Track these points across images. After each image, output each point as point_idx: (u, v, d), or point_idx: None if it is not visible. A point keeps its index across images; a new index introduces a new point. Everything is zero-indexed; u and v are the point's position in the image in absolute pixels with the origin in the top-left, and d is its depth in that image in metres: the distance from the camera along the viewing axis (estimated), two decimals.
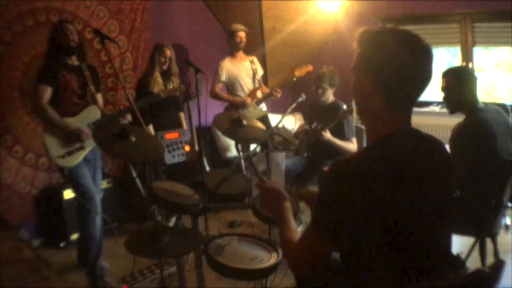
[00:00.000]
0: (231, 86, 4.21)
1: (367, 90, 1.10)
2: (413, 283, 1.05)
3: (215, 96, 4.16)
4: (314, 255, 1.13)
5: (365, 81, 1.10)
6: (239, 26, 4.12)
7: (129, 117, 2.79)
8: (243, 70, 4.19)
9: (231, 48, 4.20)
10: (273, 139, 4.32)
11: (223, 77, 4.15)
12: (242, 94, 4.19)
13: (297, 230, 1.33)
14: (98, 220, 2.75)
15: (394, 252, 1.04)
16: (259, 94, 4.19)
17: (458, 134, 2.42)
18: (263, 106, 4.24)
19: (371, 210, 1.01)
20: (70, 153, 2.64)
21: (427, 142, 1.15)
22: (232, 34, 4.12)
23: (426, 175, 1.07)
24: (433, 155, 1.13)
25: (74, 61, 2.74)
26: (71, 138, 2.64)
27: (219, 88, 4.19)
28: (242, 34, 4.09)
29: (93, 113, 2.73)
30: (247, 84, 4.20)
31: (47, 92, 2.62)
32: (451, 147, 2.46)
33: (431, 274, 1.09)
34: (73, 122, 2.66)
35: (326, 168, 2.63)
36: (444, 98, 2.54)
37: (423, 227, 1.06)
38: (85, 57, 2.83)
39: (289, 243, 1.26)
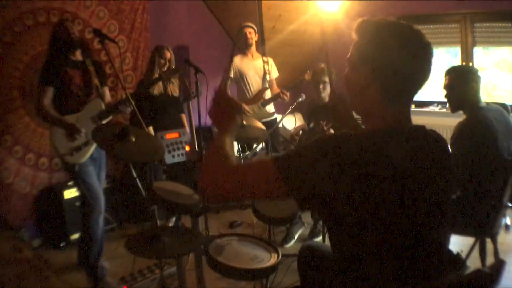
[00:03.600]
0: (239, 83, 4.19)
1: (363, 81, 1.07)
2: (407, 281, 1.03)
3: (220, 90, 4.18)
4: (257, 181, 1.05)
5: (362, 72, 1.07)
6: (245, 23, 4.10)
7: (127, 110, 2.77)
8: (252, 68, 4.13)
9: (241, 47, 4.18)
10: (277, 140, 4.29)
11: (232, 73, 4.12)
12: (248, 92, 4.17)
13: (233, 149, 1.23)
14: (101, 220, 2.76)
15: (383, 247, 1.01)
16: (267, 95, 4.18)
17: (459, 132, 2.41)
18: (271, 108, 4.22)
19: (349, 197, 0.98)
20: (78, 149, 2.65)
21: (426, 140, 1.10)
22: (238, 32, 4.12)
23: (420, 172, 1.03)
24: (431, 153, 1.08)
25: (78, 56, 2.74)
26: (71, 135, 2.64)
27: (227, 85, 4.16)
28: (248, 30, 4.05)
29: (96, 106, 2.73)
30: (254, 83, 4.15)
31: (49, 93, 2.62)
32: (451, 145, 2.45)
33: (425, 273, 1.06)
34: (78, 117, 2.66)
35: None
36: (446, 96, 2.53)
37: (412, 225, 1.03)
38: (90, 53, 2.84)
39: (222, 154, 1.15)
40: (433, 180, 1.06)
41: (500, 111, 2.54)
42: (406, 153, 1.02)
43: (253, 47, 4.13)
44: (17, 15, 3.18)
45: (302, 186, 1.02)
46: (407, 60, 1.02)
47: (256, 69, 4.15)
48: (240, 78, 4.14)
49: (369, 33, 1.06)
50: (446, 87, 2.51)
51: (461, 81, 2.45)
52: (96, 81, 2.76)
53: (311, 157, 1.01)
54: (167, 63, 3.52)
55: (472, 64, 4.50)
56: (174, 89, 3.63)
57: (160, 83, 3.51)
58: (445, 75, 2.53)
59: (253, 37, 4.07)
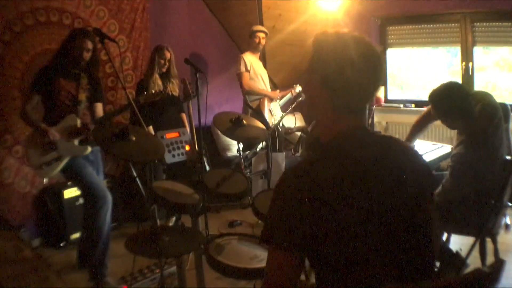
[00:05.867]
0: (252, 79, 4.24)
1: (314, 91, 1.11)
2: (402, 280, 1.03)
3: (249, 89, 4.17)
4: (281, 278, 1.02)
5: (313, 82, 1.11)
6: (259, 27, 4.23)
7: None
8: (260, 69, 4.31)
9: (250, 47, 4.29)
10: (282, 140, 4.33)
11: (247, 67, 4.20)
12: None
13: None
14: (109, 217, 2.75)
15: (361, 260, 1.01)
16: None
17: (461, 167, 2.39)
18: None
19: (329, 217, 0.98)
20: (48, 164, 2.63)
21: (390, 146, 1.13)
22: (251, 34, 4.22)
23: (388, 176, 1.04)
24: (398, 159, 1.10)
25: (76, 69, 2.72)
26: (47, 144, 2.62)
27: (248, 79, 4.17)
28: (261, 35, 4.18)
29: (72, 122, 2.67)
30: (260, 83, 4.28)
31: (34, 100, 2.63)
32: (452, 157, 2.48)
33: (418, 271, 1.06)
34: (55, 130, 2.64)
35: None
36: (441, 121, 2.51)
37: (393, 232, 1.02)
38: (95, 71, 2.81)
39: None
40: (399, 182, 1.06)
41: (493, 109, 2.47)
42: (366, 153, 1.04)
43: (261, 52, 4.33)
44: (17, 15, 3.18)
45: (302, 238, 1.00)
46: (353, 69, 1.04)
47: (263, 70, 4.34)
48: (255, 75, 4.21)
49: (319, 45, 1.11)
50: (436, 115, 2.49)
51: (443, 111, 2.41)
52: (82, 96, 2.71)
53: (288, 207, 1.01)
54: (167, 63, 3.53)
55: (472, 64, 4.50)
56: (174, 88, 3.64)
57: (160, 83, 3.51)
58: (429, 103, 2.49)
59: (264, 42, 4.24)
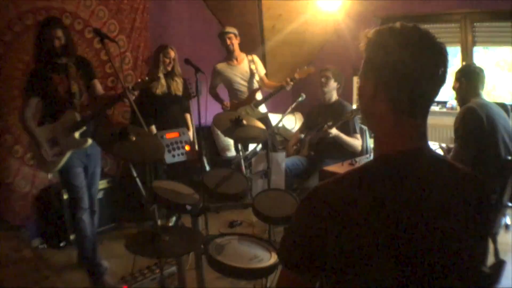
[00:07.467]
0: (228, 87, 4.21)
1: (370, 91, 0.99)
2: None
3: (211, 95, 4.17)
4: None
5: (367, 82, 1.00)
6: (225, 29, 4.05)
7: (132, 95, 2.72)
8: (238, 74, 4.11)
9: (226, 52, 4.15)
10: (274, 139, 4.30)
11: (217, 81, 4.16)
12: (237, 98, 4.17)
13: None
14: (86, 217, 2.75)
15: None
16: (258, 96, 4.16)
17: (459, 116, 2.62)
18: (263, 108, 4.22)
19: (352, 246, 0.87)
20: (51, 161, 2.67)
21: (444, 170, 0.98)
22: (220, 39, 4.09)
23: (432, 210, 0.91)
24: (448, 185, 0.95)
25: (63, 59, 2.69)
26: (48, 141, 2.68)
27: (215, 88, 4.20)
28: (228, 36, 4.00)
29: (71, 118, 2.67)
30: (241, 88, 4.15)
31: (32, 104, 2.63)
32: (455, 131, 2.65)
33: None
34: (54, 127, 2.66)
35: (326, 168, 2.63)
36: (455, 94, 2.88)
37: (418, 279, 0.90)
38: (73, 54, 2.75)
39: None
40: (449, 218, 0.93)
41: (499, 108, 2.70)
42: (413, 184, 0.92)
43: (236, 52, 4.09)
44: (17, 15, 3.18)
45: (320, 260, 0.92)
46: (409, 63, 0.93)
47: (243, 73, 4.12)
48: (228, 84, 4.14)
49: (372, 43, 0.99)
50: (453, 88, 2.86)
51: (462, 80, 2.76)
52: (75, 88, 2.70)
53: (308, 224, 0.93)
54: (172, 62, 3.54)
55: None
56: (177, 88, 3.63)
57: (164, 83, 3.52)
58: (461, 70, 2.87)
59: (234, 42, 4.03)
